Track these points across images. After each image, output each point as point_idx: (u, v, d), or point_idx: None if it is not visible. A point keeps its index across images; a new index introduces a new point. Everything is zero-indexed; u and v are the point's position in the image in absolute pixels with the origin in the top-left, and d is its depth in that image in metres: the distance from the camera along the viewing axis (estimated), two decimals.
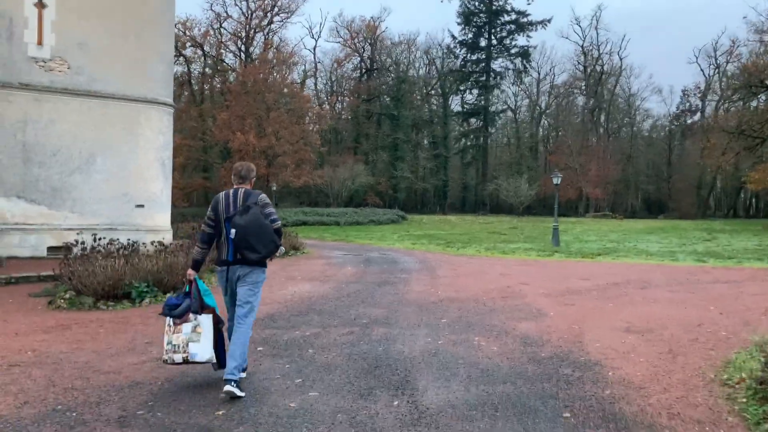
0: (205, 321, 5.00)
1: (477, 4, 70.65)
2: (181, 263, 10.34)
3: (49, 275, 11.05)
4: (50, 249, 15.44)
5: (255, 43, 56.73)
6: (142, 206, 17.50)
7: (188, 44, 55.22)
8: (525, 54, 70.41)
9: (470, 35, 70.98)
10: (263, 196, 5.03)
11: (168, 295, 8.85)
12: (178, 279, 10.01)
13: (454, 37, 70.46)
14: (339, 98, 66.81)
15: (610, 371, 5.48)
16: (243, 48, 56.55)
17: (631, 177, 68.93)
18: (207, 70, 58.07)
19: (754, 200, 69.83)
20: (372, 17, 63.70)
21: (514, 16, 70.05)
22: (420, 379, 5.19)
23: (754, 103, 41.10)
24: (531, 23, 69.49)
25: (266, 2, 54.76)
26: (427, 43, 70.67)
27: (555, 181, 22.25)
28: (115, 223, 16.68)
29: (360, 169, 50.15)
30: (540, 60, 72.11)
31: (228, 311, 5.20)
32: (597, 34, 68.74)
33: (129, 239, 13.48)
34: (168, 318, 5.05)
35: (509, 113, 74.31)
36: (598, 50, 68.57)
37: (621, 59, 68.94)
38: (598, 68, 69.02)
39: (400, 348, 6.40)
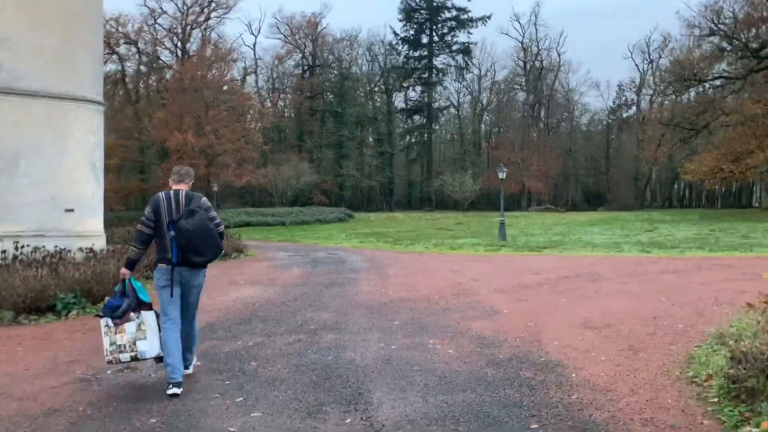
0: (149, 318, 5.05)
1: (418, 0, 70.81)
2: (111, 271, 9.61)
3: None
4: None
5: (192, 39, 54.95)
6: (71, 211, 16.36)
7: (122, 41, 53.05)
8: (466, 50, 70.95)
9: (412, 32, 71.02)
10: (205, 199, 5.11)
11: (100, 304, 8.39)
12: (108, 288, 9.28)
13: (396, 34, 70.31)
14: (281, 96, 65.63)
15: (573, 372, 5.20)
16: (179, 45, 54.67)
17: (570, 171, 70.50)
18: (142, 67, 55.97)
19: (687, 190, 72.58)
20: (313, 13, 62.78)
21: (454, 13, 70.49)
22: (374, 391, 4.78)
23: (686, 97, 42.57)
24: (471, 20, 70.05)
25: None
26: (369, 40, 70.14)
27: (500, 175, 22.27)
28: (43, 228, 15.50)
29: (305, 167, 49.34)
30: (481, 57, 72.78)
31: (165, 306, 5.05)
32: (536, 30, 69.63)
33: (57, 246, 12.55)
34: (105, 319, 5.01)
35: (452, 110, 74.87)
36: (537, 46, 69.83)
37: (559, 55, 70.37)
38: (538, 64, 70.25)
39: (350, 356, 5.97)
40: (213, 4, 53.55)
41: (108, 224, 33.67)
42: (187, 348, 5.22)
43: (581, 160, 73.77)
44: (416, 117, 72.63)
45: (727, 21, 33.48)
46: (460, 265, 14.56)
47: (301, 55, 64.38)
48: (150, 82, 57.40)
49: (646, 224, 28.66)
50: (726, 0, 33.59)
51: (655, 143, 38.73)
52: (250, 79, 62.60)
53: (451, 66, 71.79)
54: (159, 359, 5.10)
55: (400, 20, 70.38)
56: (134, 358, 5.02)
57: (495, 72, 73.46)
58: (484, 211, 55.07)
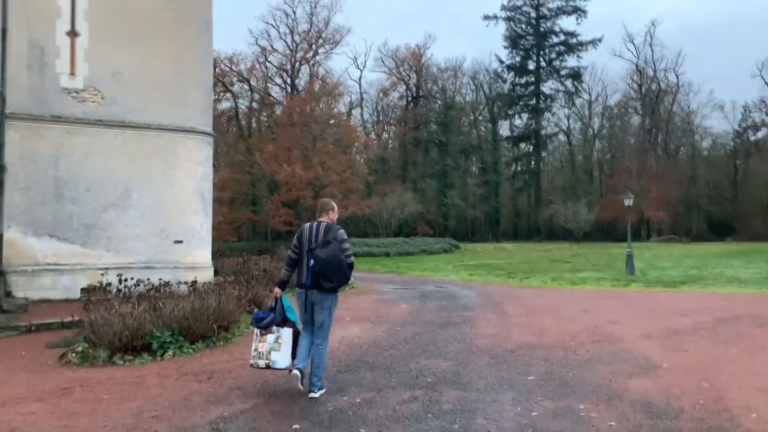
0: (286, 333, 5.72)
1: (524, 27, 69.34)
2: (212, 307, 8.99)
3: (71, 321, 9.85)
4: (84, 290, 14.40)
5: (300, 75, 56.60)
6: (180, 242, 16.38)
7: (235, 79, 55.51)
8: (576, 75, 68.35)
9: (518, 59, 69.55)
10: (341, 231, 5.76)
11: (198, 344, 8.39)
12: (208, 326, 8.66)
13: (501, 62, 69.12)
14: (385, 127, 65.94)
15: None
16: (289, 80, 56.45)
17: (693, 198, 65.22)
18: (254, 104, 58.18)
19: None
20: (417, 45, 63.05)
21: (563, 38, 68.37)
22: None
23: None
24: (581, 44, 67.55)
25: (311, 34, 54.69)
26: (474, 69, 69.32)
27: (627, 202, 20.24)
28: (153, 260, 15.57)
29: (408, 197, 48.68)
30: (591, 81, 69.77)
31: (303, 324, 5.83)
32: (652, 50, 65.81)
33: (161, 279, 12.25)
34: (256, 329, 5.78)
35: (561, 136, 72.02)
36: (654, 67, 65.84)
37: (677, 76, 65.96)
38: (654, 86, 66.17)
39: (482, 424, 4.76)
40: (321, 40, 54.92)
41: (220, 255, 34.32)
42: (312, 369, 5.69)
43: (704, 187, 68.18)
44: (523, 144, 70.48)
45: None
46: (589, 304, 12.88)
47: (405, 86, 64.56)
48: (261, 117, 59.47)
49: None
50: None
51: None
52: (356, 112, 63.50)
53: (559, 91, 69.38)
54: (290, 372, 5.69)
55: (506, 47, 69.27)
56: (267, 366, 5.69)
57: (606, 96, 70.17)
58: (599, 242, 51.80)
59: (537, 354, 7.51)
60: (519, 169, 70.36)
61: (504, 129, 70.88)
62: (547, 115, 69.32)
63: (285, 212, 44.81)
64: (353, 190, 46.99)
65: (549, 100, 68.97)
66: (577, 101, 70.22)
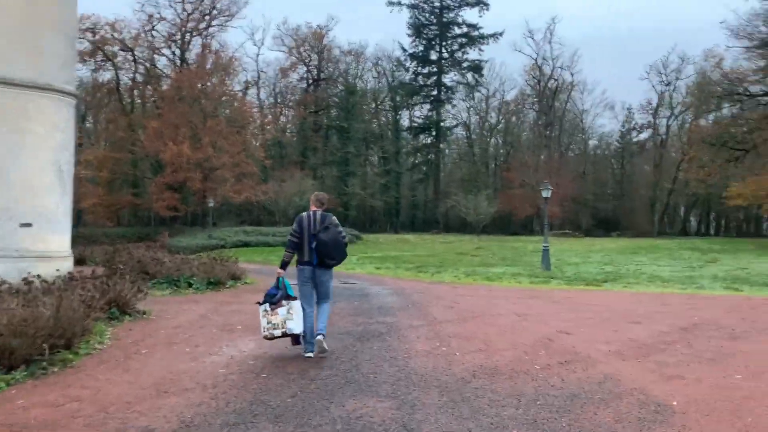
0: (296, 306, 6.67)
1: (428, 15, 68.36)
2: (45, 316, 6.35)
3: None
4: None
5: (191, 47, 52.18)
6: (29, 225, 13.19)
7: (117, 48, 50.22)
8: (476, 68, 68.31)
9: (421, 48, 68.50)
10: (335, 218, 6.85)
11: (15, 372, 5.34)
12: (36, 345, 6.02)
13: (404, 50, 67.72)
14: (284, 110, 62.67)
15: None
16: (178, 53, 51.87)
17: (584, 194, 67.37)
18: (138, 76, 53.06)
19: (704, 217, 69.53)
20: (318, 25, 60.12)
21: (465, 29, 68.03)
22: None
23: (713, 115, 39.41)
24: (483, 36, 67.50)
25: (204, 3, 50.40)
26: (377, 55, 67.43)
27: (544, 194, 19.13)
28: None
29: (308, 184, 46.06)
30: (489, 76, 70.09)
31: (303, 299, 6.76)
32: (551, 47, 67.05)
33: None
34: (264, 305, 6.72)
35: (460, 129, 71.94)
36: (552, 64, 67.06)
37: (572, 75, 67.67)
38: (552, 83, 67.55)
39: None
40: (215, 11, 50.85)
41: (92, 242, 30.16)
42: (319, 319, 6.71)
43: (592, 184, 70.69)
44: (423, 135, 69.76)
45: None
46: (522, 306, 11.26)
47: (305, 68, 61.63)
48: (146, 92, 54.40)
49: (698, 254, 25.39)
50: None
51: (697, 164, 35.36)
52: (252, 92, 59.65)
53: (460, 84, 69.10)
54: (295, 340, 6.76)
55: (409, 35, 67.96)
56: (284, 334, 6.66)
57: (504, 92, 70.74)
58: (496, 235, 51.87)
59: (500, 385, 5.56)
60: (419, 160, 69.59)
61: (405, 119, 69.92)
62: (447, 106, 68.99)
63: (170, 196, 40.86)
64: (248, 174, 43.79)
65: (450, 91, 68.63)
66: (476, 95, 70.42)
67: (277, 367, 6.28)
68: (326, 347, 6.69)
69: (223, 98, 48.36)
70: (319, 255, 6.57)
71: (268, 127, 55.18)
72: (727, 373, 6.07)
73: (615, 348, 7.27)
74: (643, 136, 70.45)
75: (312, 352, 6.62)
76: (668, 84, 63.50)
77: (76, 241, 31.72)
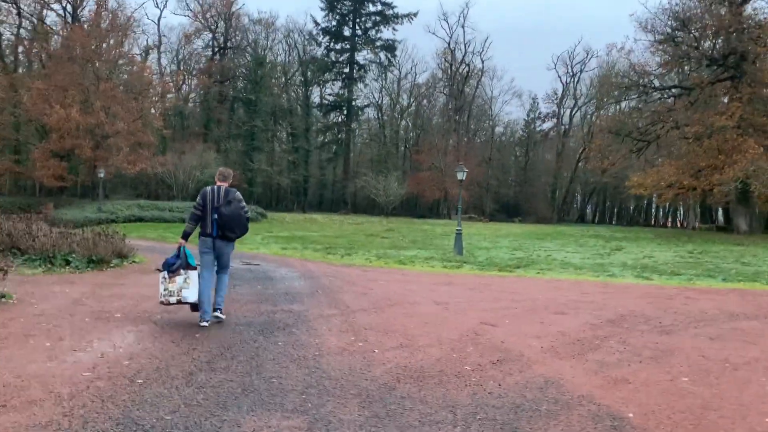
0: (193, 275, 6.92)
1: None
2: None
3: None
4: None
5: (85, 4, 47.80)
6: None
7: None
8: (390, 47, 67.62)
9: (334, 23, 66.91)
10: (238, 193, 7.07)
11: None
12: None
13: (316, 23, 65.90)
14: (186, 78, 59.14)
15: None
16: (70, 9, 47.38)
17: (489, 180, 68.70)
18: (23, 32, 48.05)
19: (600, 206, 72.93)
20: None
21: (379, 7, 66.99)
22: None
23: (620, 106, 40.89)
24: (397, 16, 66.76)
25: None
26: (288, 27, 65.10)
27: (459, 176, 18.58)
28: None
29: (211, 157, 43.66)
30: (402, 58, 69.66)
31: (204, 267, 7.03)
32: (464, 32, 67.46)
33: None
34: (164, 272, 6.92)
35: (371, 110, 71.13)
36: (464, 49, 67.49)
37: (483, 61, 68.49)
38: (463, 68, 67.99)
39: None
40: None
41: None
42: (217, 293, 7.18)
43: (496, 170, 72.26)
44: (334, 114, 68.42)
45: (692, 27, 31.74)
46: (439, 293, 10.54)
47: (211, 35, 58.45)
48: (32, 50, 49.41)
49: (602, 241, 25.96)
50: (686, 4, 32.01)
51: (600, 153, 36.44)
52: (153, 57, 55.84)
53: (373, 63, 68.14)
54: (194, 307, 7.02)
55: (322, 9, 66.13)
56: (179, 302, 6.93)
57: (416, 74, 70.58)
58: (404, 217, 51.69)
59: (430, 393, 4.69)
60: (329, 138, 68.22)
61: (316, 96, 68.19)
62: (360, 85, 67.89)
63: (56, 164, 37.31)
64: (144, 144, 40.76)
65: (362, 70, 67.54)
66: (389, 76, 69.76)
67: (158, 369, 5.09)
68: (222, 316, 7.10)
69: (120, 61, 44.74)
70: (220, 228, 6.87)
71: (170, 95, 51.78)
72: (672, 375, 5.51)
73: (547, 344, 6.61)
74: (547, 125, 72.76)
75: (207, 321, 6.86)
76: (573, 75, 65.81)
77: None
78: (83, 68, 38.57)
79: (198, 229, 7.11)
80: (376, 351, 6.01)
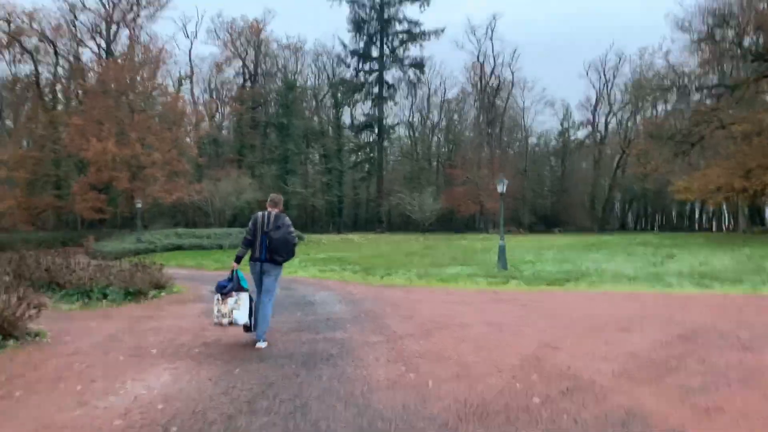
0: (244, 297, 7.19)
1: (368, 11, 67.00)
2: None
3: None
4: None
5: (118, 39, 48.91)
6: None
7: (35, 39, 46.50)
8: (418, 65, 67.65)
9: (361, 44, 67.19)
10: (287, 219, 7.33)
11: None
12: None
13: (344, 46, 66.31)
14: (219, 107, 59.87)
15: None
16: (103, 45, 48.52)
17: (526, 191, 67.61)
18: (60, 70, 49.38)
19: (644, 212, 70.92)
20: (255, 19, 57.69)
21: (406, 26, 67.14)
22: None
23: (661, 108, 39.55)
24: (424, 33, 66.76)
25: None
26: (316, 51, 65.68)
27: (500, 188, 17.91)
28: None
29: (245, 182, 43.85)
30: (430, 74, 69.53)
31: (255, 289, 7.35)
32: (492, 44, 67.02)
33: None
34: (217, 294, 7.18)
35: (402, 128, 70.94)
36: (493, 62, 66.94)
37: (512, 73, 67.84)
38: (493, 81, 67.40)
39: None
40: (143, 0, 47.79)
41: (10, 247, 27.01)
42: (258, 325, 7.24)
43: (533, 181, 71.08)
44: (365, 133, 68.42)
45: (731, 23, 30.62)
46: (488, 313, 9.93)
47: (241, 62, 59.15)
48: (70, 87, 50.69)
49: (651, 249, 24.89)
50: (724, 0, 30.89)
51: (641, 158, 35.25)
52: (186, 88, 56.74)
53: (402, 81, 68.15)
54: (246, 329, 7.34)
55: (350, 31, 66.62)
56: (230, 323, 7.14)
57: (445, 90, 70.38)
58: (440, 233, 51.01)
59: None
60: (361, 158, 68.17)
61: (347, 117, 68.39)
62: (390, 104, 67.87)
63: (94, 197, 37.87)
64: (180, 173, 41.17)
65: (392, 89, 67.54)
66: (418, 93, 69.61)
67: (194, 414, 4.65)
68: (264, 345, 7.18)
69: (153, 93, 45.49)
70: (268, 251, 7.13)
71: (203, 123, 52.42)
72: None
73: (619, 367, 5.97)
74: (582, 133, 71.45)
75: (264, 342, 7.19)
76: (606, 81, 64.52)
77: None
78: (117, 101, 39.29)
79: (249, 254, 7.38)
80: (430, 383, 5.46)
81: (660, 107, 45.14)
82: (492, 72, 66.97)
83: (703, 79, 33.22)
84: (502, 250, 17.60)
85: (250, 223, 7.32)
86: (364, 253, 27.66)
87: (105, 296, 11.94)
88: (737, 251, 22.14)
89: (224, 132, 60.79)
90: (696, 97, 33.50)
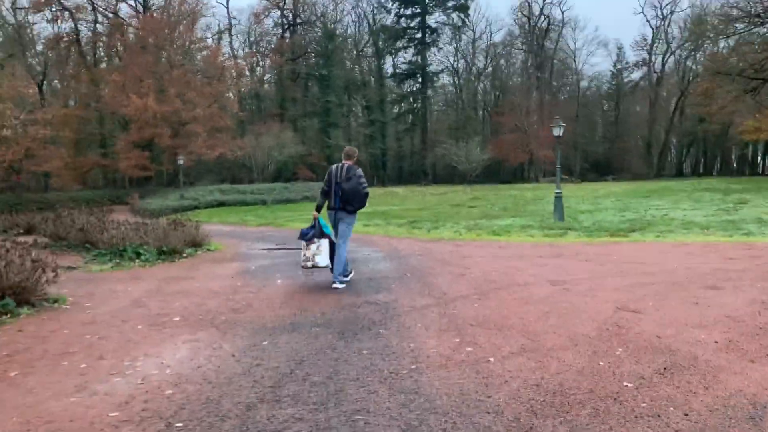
0: (324, 243, 7.70)
1: None
2: None
3: None
4: None
5: None
6: None
7: None
8: (462, 7, 64.68)
9: None
10: (359, 170, 7.73)
11: None
12: None
13: None
14: (259, 60, 58.90)
15: None
16: (141, 0, 47.81)
17: (577, 137, 64.83)
18: (99, 27, 49.06)
19: (703, 157, 67.33)
20: None
21: None
22: None
23: (723, 43, 36.44)
24: None
25: None
26: None
27: (556, 132, 16.51)
28: None
29: (288, 136, 43.09)
30: (476, 17, 66.52)
31: (334, 233, 7.77)
32: None
33: None
34: (303, 241, 7.75)
35: (445, 76, 68.49)
36: (542, 1, 63.47)
37: (563, 12, 64.41)
38: (542, 22, 64.09)
39: None
40: None
41: (59, 206, 27.11)
42: (335, 267, 7.77)
43: (584, 126, 67.99)
44: (408, 83, 66.45)
45: None
46: (550, 268, 8.88)
47: (279, 12, 57.66)
48: (111, 44, 50.42)
49: (719, 195, 23.11)
50: None
51: (708, 98, 32.69)
52: (225, 42, 55.83)
53: (446, 25, 65.44)
54: (329, 268, 7.78)
55: None
56: (314, 266, 7.76)
57: (491, 33, 67.39)
58: (490, 184, 49.46)
59: None
60: (404, 108, 66.45)
61: (389, 66, 66.45)
62: (433, 50, 65.49)
63: (138, 154, 37.83)
64: (222, 129, 40.70)
65: (435, 34, 65.04)
66: (463, 37, 66.85)
67: (207, 403, 3.83)
68: (341, 286, 7.71)
69: (192, 47, 44.79)
70: (341, 201, 7.60)
71: (244, 78, 51.62)
72: None
73: (721, 337, 4.90)
74: (636, 75, 67.67)
75: (340, 283, 7.75)
76: (663, 18, 60.48)
77: (36, 206, 28.80)
78: (156, 57, 38.75)
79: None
80: (492, 360, 4.51)
81: (722, 44, 41.72)
82: (541, 12, 63.66)
83: None
84: (558, 200, 16.34)
85: (326, 175, 7.82)
86: (409, 206, 26.70)
87: (138, 255, 11.39)
88: None
89: (266, 86, 59.95)
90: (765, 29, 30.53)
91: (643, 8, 63.13)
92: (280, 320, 6.05)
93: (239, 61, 55.09)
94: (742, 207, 17.63)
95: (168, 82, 37.68)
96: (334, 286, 7.62)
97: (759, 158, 64.92)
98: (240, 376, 4.35)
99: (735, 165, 65.43)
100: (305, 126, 53.12)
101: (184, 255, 11.78)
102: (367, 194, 7.73)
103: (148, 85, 36.98)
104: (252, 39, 58.35)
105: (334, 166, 7.81)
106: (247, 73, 54.55)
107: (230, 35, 55.80)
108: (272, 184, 38.77)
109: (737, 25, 30.22)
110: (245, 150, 40.57)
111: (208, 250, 12.81)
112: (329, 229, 7.79)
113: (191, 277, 9.32)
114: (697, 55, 57.48)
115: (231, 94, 47.97)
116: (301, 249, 7.91)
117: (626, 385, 3.87)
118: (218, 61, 45.03)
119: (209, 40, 50.27)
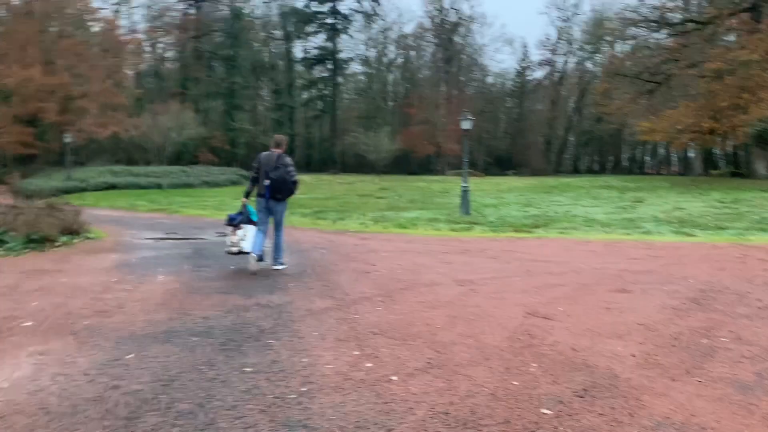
0: (250, 229, 8.00)
1: None
2: None
3: None
4: None
5: None
6: None
7: None
8: None
9: None
10: (288, 159, 7.83)
11: None
12: None
13: None
14: (161, 34, 55.55)
15: None
16: None
17: (482, 132, 66.15)
18: None
19: (597, 156, 70.74)
20: None
21: None
22: None
23: (620, 47, 38.10)
24: None
25: None
26: None
27: (464, 125, 16.28)
28: None
29: (188, 117, 40.85)
30: (388, 7, 66.34)
31: (260, 222, 7.95)
32: None
33: None
34: (229, 226, 8.13)
35: (356, 64, 67.72)
36: None
37: (472, 7, 65.32)
38: (451, 15, 64.66)
39: None
40: None
41: None
42: (275, 252, 8.02)
43: (489, 122, 69.49)
44: (319, 68, 65.18)
45: None
46: (457, 266, 8.49)
47: None
48: None
49: (616, 192, 23.95)
50: None
51: (606, 99, 34.01)
52: (123, 14, 52.16)
53: (358, 12, 64.69)
54: (259, 258, 7.80)
55: None
56: (239, 251, 8.04)
57: (403, 24, 67.30)
58: (398, 175, 49.41)
59: None
60: (314, 94, 65.18)
61: (299, 50, 64.85)
62: (344, 37, 64.57)
63: (20, 130, 34.51)
64: (117, 106, 37.93)
65: (347, 20, 64.13)
66: (374, 26, 66.34)
67: None
68: (282, 266, 7.96)
69: (86, 16, 41.47)
70: (270, 190, 7.66)
71: (143, 54, 48.54)
72: None
73: (638, 349, 4.59)
74: (539, 74, 69.89)
75: (281, 265, 7.97)
76: (567, 19, 62.70)
77: None
78: (43, 24, 35.47)
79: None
80: (395, 379, 3.94)
81: (618, 47, 43.71)
82: (451, 6, 64.20)
83: (672, 13, 31.83)
84: (465, 194, 16.16)
85: (254, 162, 7.96)
86: (316, 194, 25.92)
87: (1, 243, 10.01)
88: (706, 196, 21.37)
89: (167, 64, 56.79)
90: (663, 33, 32.19)
91: (548, 8, 65.07)
92: (154, 327, 5.21)
93: (139, 35, 51.78)
94: (639, 205, 18.25)
95: (56, 54, 34.57)
96: (276, 267, 7.84)
97: (646, 158, 69.16)
98: (89, 403, 3.53)
99: (627, 164, 69.21)
100: (208, 108, 50.74)
101: (58, 244, 10.49)
102: (295, 182, 7.82)
103: (34, 54, 33.75)
104: (154, 13, 54.95)
105: (263, 154, 7.92)
106: (148, 48, 51.35)
107: (130, 7, 52.29)
108: (170, 167, 36.61)
109: (635, 29, 31.65)
110: (140, 129, 38.05)
111: (87, 238, 11.52)
112: (256, 216, 7.95)
113: (59, 270, 8.18)
114: (597, 57, 60.17)
115: (128, 70, 44.95)
116: (227, 234, 8.16)
117: (545, 413, 3.41)
118: (115, 34, 41.96)
119: (106, 11, 46.79)
